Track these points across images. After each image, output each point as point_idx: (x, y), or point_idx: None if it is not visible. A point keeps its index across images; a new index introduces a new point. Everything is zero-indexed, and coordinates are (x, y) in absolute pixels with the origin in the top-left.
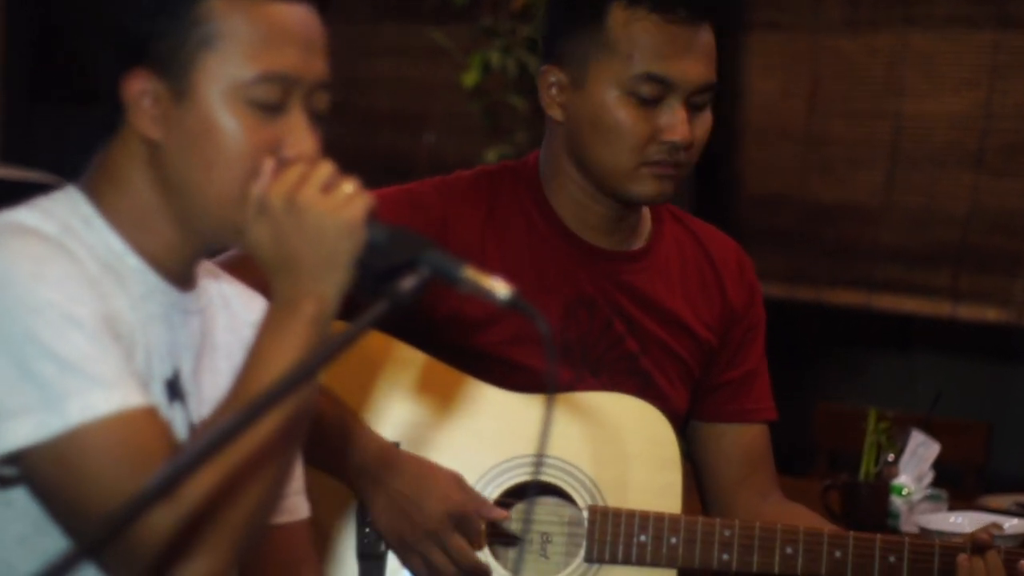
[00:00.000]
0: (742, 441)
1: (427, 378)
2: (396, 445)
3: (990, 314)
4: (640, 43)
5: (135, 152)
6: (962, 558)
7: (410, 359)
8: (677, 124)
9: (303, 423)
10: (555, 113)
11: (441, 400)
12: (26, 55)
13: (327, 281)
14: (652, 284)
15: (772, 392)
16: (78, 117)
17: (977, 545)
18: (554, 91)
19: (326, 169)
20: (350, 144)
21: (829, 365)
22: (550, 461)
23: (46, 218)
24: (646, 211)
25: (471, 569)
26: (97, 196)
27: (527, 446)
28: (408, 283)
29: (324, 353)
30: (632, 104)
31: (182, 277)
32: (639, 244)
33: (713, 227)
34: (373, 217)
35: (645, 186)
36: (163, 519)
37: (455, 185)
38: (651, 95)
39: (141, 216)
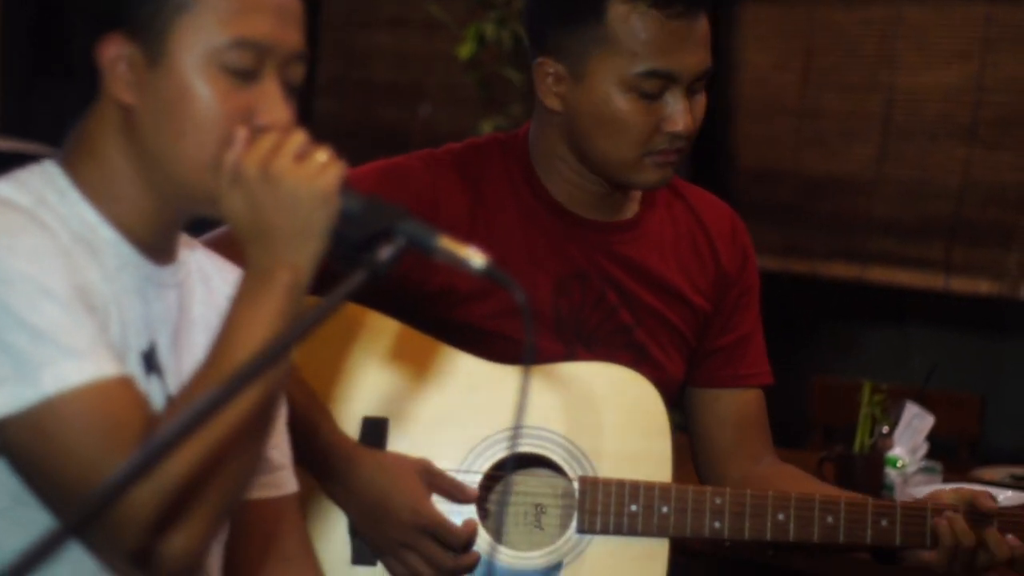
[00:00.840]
0: (736, 406)
1: (415, 351)
2: (382, 422)
3: (983, 287)
4: (642, 39)
5: (110, 120)
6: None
7: (397, 333)
8: (680, 115)
9: (279, 395)
10: (553, 103)
11: (430, 373)
12: (25, 28)
13: (302, 250)
14: (644, 253)
15: (767, 356)
16: (78, 91)
17: (979, 511)
18: (551, 81)
19: (299, 138)
20: (346, 116)
21: (822, 338)
22: (540, 433)
23: (19, 189)
24: None
25: (450, 570)
26: (72, 168)
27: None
28: (384, 253)
29: (301, 326)
30: (634, 98)
31: (158, 250)
32: (629, 214)
33: (705, 191)
34: (347, 186)
35: (648, 175)
36: (144, 497)
37: (443, 159)
38: (653, 90)
39: (115, 186)
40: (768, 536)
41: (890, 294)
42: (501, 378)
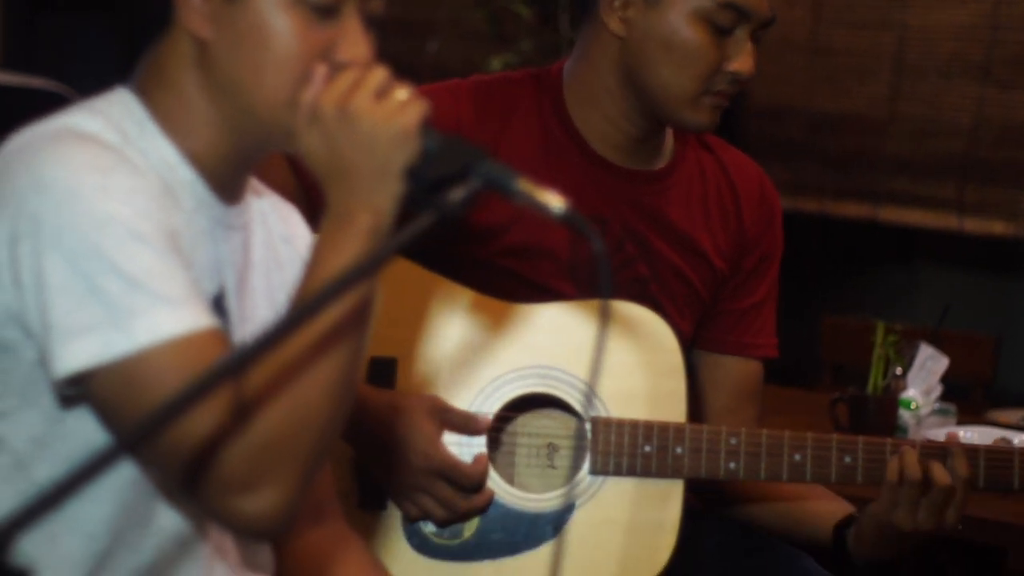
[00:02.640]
0: (736, 374)
1: (424, 290)
2: (391, 362)
3: (996, 227)
4: None
5: (184, 53)
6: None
7: (406, 271)
8: (746, 55)
9: (361, 337)
10: (616, 27)
11: (440, 313)
12: None
13: (381, 192)
14: (669, 207)
15: (775, 328)
16: (80, 25)
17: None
18: (618, 4)
19: (380, 75)
20: None
21: (833, 278)
22: (552, 372)
23: (106, 124)
24: (670, 132)
25: (465, 514)
26: (148, 98)
27: (529, 357)
28: (458, 194)
29: (365, 265)
30: (707, 31)
31: (229, 189)
32: (660, 165)
33: (738, 151)
34: (428, 125)
35: (702, 115)
36: (236, 455)
37: (470, 88)
38: (726, 24)
39: (191, 120)
40: (785, 476)
41: (902, 234)
42: (512, 317)
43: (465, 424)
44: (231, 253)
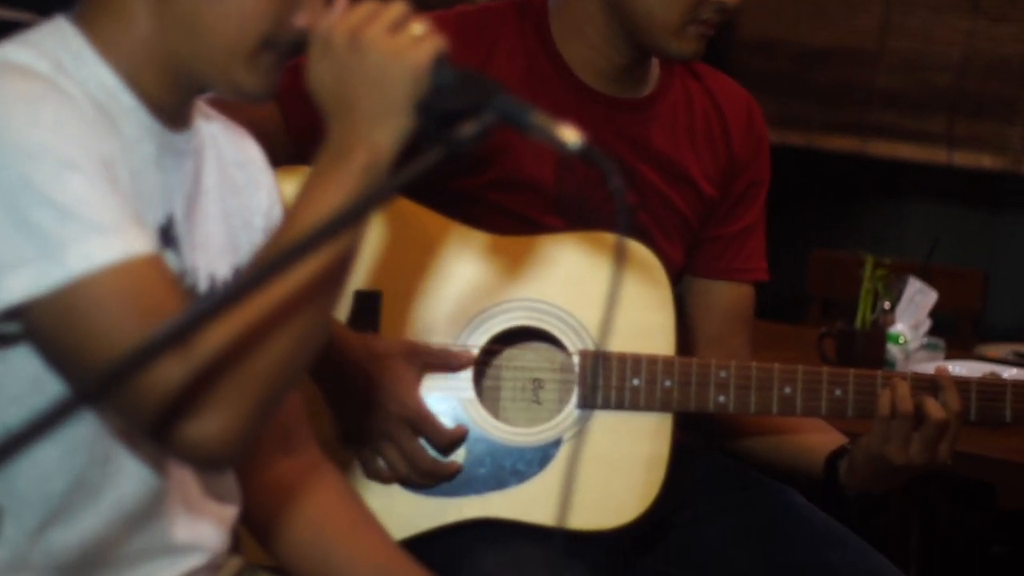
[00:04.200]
0: (727, 299)
1: (410, 222)
2: (375, 295)
3: (985, 161)
4: None
5: None
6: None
7: (392, 204)
8: None
9: (341, 276)
10: None
11: (425, 245)
12: None
13: (384, 128)
14: (655, 134)
15: (766, 252)
16: None
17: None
18: None
19: (397, 8)
20: None
21: (820, 212)
22: (537, 305)
23: (38, 55)
24: (656, 59)
25: (427, 472)
26: (89, 27)
27: (514, 290)
28: (469, 129)
29: (368, 199)
30: None
31: (176, 116)
32: (645, 92)
33: (724, 75)
34: (442, 60)
35: (687, 44)
36: (173, 370)
37: (451, 19)
38: None
39: (138, 50)
40: (775, 410)
41: (890, 168)
42: (499, 250)
43: (446, 362)
44: (181, 179)
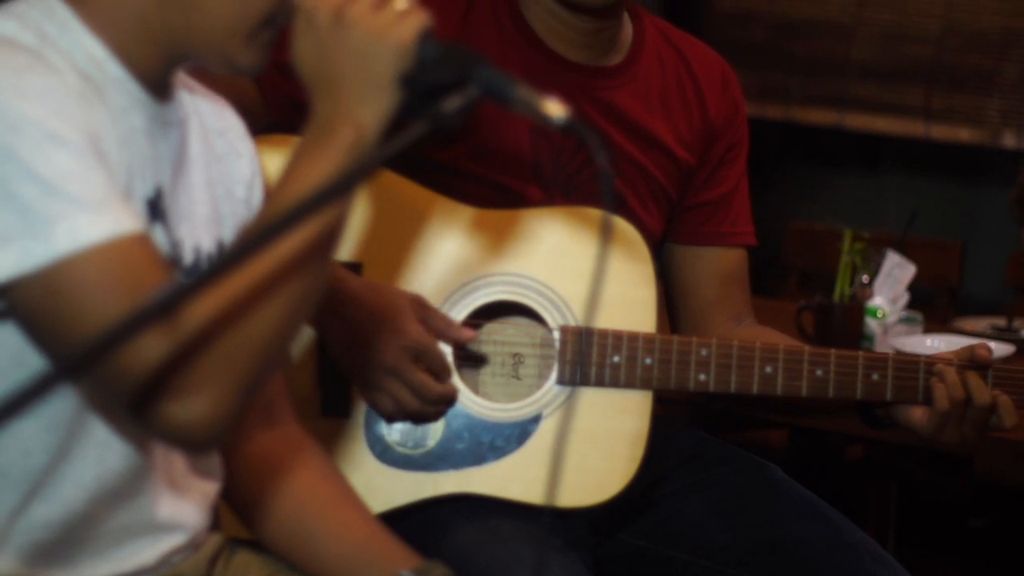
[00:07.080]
0: (719, 264)
1: (391, 194)
2: (356, 267)
3: (963, 134)
4: None
5: None
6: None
7: (374, 176)
8: None
9: (327, 252)
10: None
11: (406, 217)
12: None
13: (369, 105)
14: (628, 101)
15: (751, 215)
16: None
17: (977, 362)
18: None
19: None
20: None
21: (797, 184)
22: (518, 279)
23: (22, 26)
24: (627, 25)
25: (436, 401)
26: None
27: (496, 264)
28: (453, 103)
29: (352, 174)
30: None
31: (161, 87)
32: (617, 59)
33: (699, 41)
34: (427, 35)
35: None
36: (157, 344)
37: None
38: None
39: (128, 21)
40: (755, 389)
41: (866, 140)
42: (481, 224)
43: (445, 329)
44: (169, 150)
